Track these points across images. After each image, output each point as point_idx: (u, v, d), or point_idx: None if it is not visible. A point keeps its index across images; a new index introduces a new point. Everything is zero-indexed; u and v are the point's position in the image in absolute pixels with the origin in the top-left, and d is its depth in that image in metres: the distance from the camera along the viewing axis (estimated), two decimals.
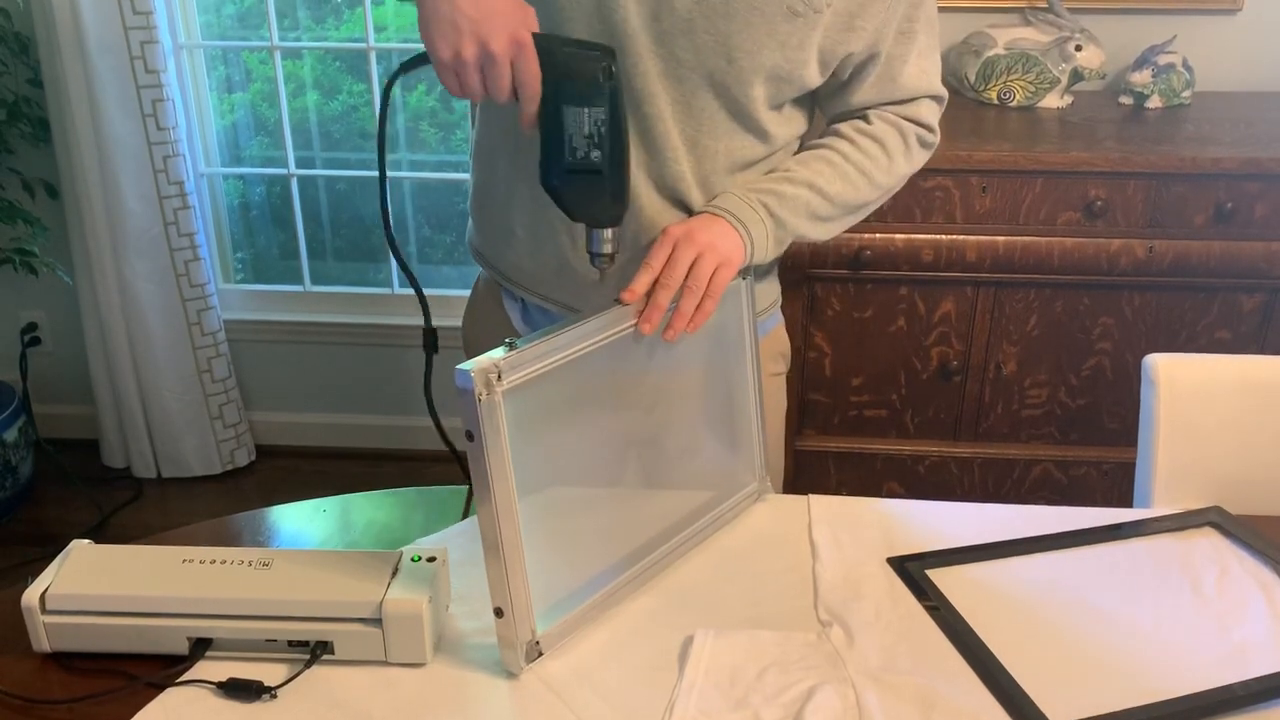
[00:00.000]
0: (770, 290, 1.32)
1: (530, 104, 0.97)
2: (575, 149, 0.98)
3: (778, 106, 1.15)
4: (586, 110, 0.97)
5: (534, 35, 0.96)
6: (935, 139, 1.24)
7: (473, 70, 0.96)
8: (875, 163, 1.19)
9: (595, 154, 0.98)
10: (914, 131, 1.21)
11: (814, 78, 1.13)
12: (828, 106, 1.23)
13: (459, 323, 1.36)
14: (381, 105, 1.05)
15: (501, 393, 0.90)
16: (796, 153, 1.23)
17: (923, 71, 1.19)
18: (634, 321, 1.04)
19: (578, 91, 0.97)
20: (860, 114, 1.21)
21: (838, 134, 1.21)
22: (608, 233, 1.04)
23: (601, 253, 1.05)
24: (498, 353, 0.92)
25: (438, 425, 1.12)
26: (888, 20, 1.12)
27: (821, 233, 1.20)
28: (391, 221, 1.04)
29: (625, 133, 0.99)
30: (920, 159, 1.24)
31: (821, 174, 1.17)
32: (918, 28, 1.15)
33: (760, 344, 1.29)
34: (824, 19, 1.08)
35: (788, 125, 1.18)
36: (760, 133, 1.15)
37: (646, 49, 1.08)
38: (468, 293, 1.38)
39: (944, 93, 1.23)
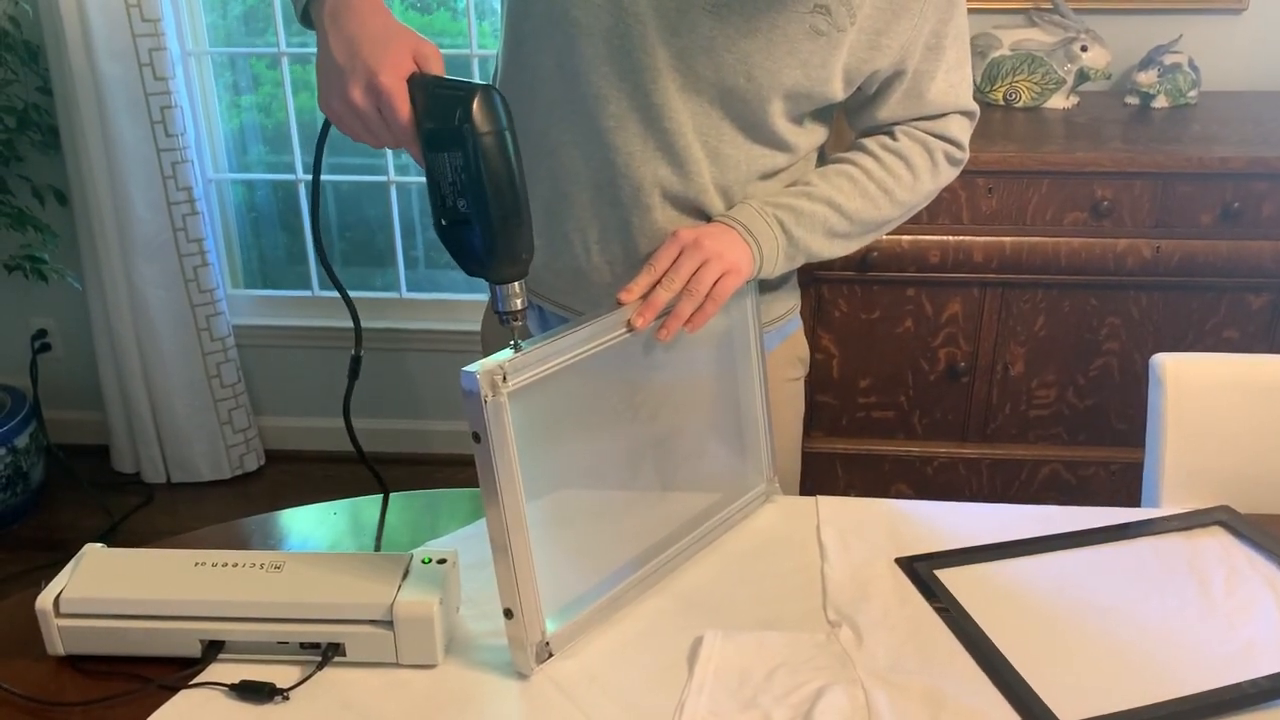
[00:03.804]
0: (789, 296, 1.31)
1: (410, 148, 0.93)
2: (444, 197, 0.92)
3: (797, 120, 1.14)
4: (447, 155, 0.90)
5: (411, 76, 0.91)
6: (964, 156, 1.22)
7: (349, 120, 0.94)
8: (899, 180, 1.18)
9: (461, 202, 0.91)
10: (942, 148, 1.19)
11: (837, 94, 1.12)
12: (855, 121, 1.22)
13: (463, 326, 1.37)
14: (317, 152, 1.03)
15: (507, 394, 0.91)
16: (821, 164, 1.22)
17: (951, 87, 1.17)
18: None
19: (438, 135, 0.90)
20: (887, 129, 1.19)
21: (863, 150, 1.19)
22: (513, 287, 0.94)
23: (508, 310, 0.95)
24: (504, 354, 0.92)
25: (350, 430, 1.16)
26: (914, 37, 1.11)
27: (838, 249, 1.19)
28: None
29: (498, 180, 0.89)
30: (948, 176, 1.22)
31: (842, 190, 1.16)
32: (946, 43, 1.13)
33: (779, 349, 1.30)
34: (848, 37, 1.07)
35: (808, 136, 1.17)
36: (780, 144, 1.15)
37: (665, 64, 1.07)
38: (470, 297, 1.39)
39: (974, 108, 1.21)
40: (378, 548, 1.16)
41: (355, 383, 1.12)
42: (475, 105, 0.88)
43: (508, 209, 0.91)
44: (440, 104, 0.90)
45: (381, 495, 1.22)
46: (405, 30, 0.94)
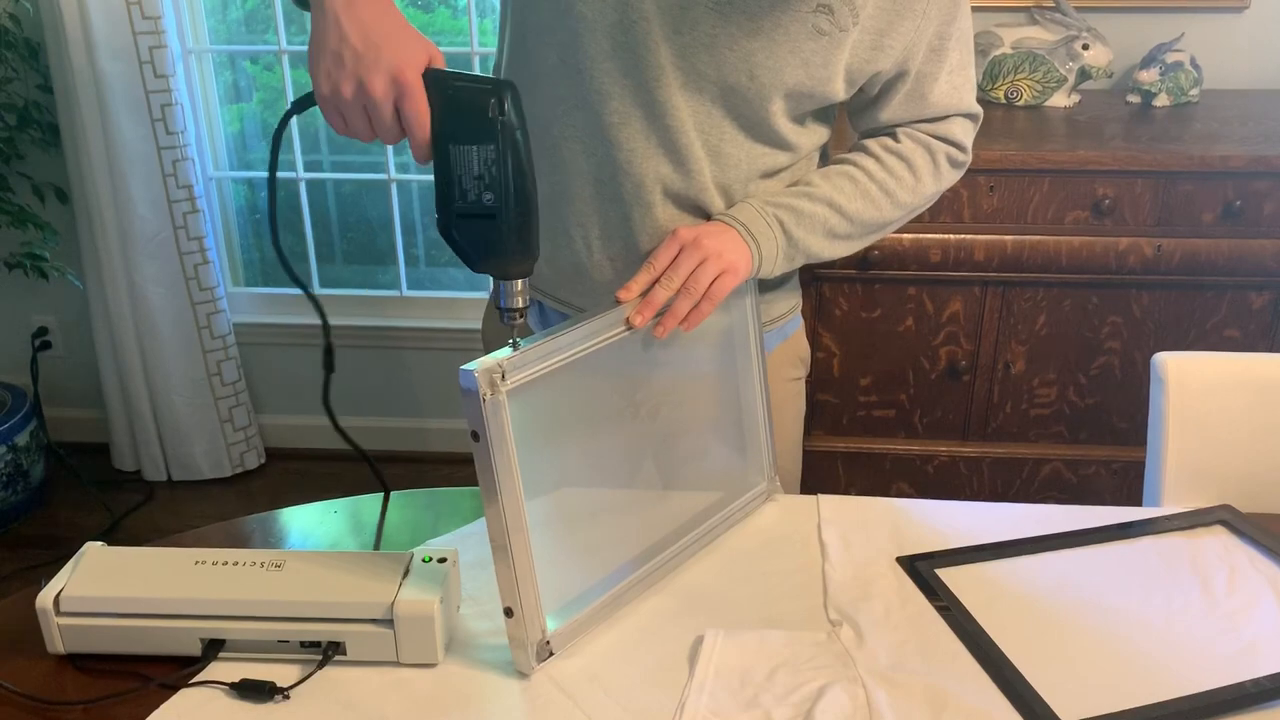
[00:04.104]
0: (790, 296, 1.31)
1: (418, 145, 0.92)
2: (465, 191, 0.91)
3: (799, 119, 1.14)
4: (475, 149, 0.90)
5: (426, 71, 0.91)
6: (967, 158, 1.21)
7: (353, 110, 0.91)
8: (900, 182, 1.18)
9: (488, 196, 0.90)
10: (944, 150, 1.19)
11: (839, 93, 1.12)
12: (857, 122, 1.22)
13: (463, 324, 1.37)
14: (273, 145, 1.01)
15: (506, 392, 0.90)
16: (823, 164, 1.22)
17: (954, 89, 1.16)
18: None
19: (464, 128, 0.90)
20: (889, 131, 1.19)
21: (865, 151, 1.19)
22: (517, 284, 0.95)
23: (511, 308, 0.95)
24: (502, 353, 0.92)
25: (336, 427, 1.14)
26: (917, 39, 1.10)
27: (839, 250, 1.19)
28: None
29: (524, 174, 0.91)
30: (950, 178, 1.22)
31: (843, 191, 1.16)
32: (949, 45, 1.13)
33: (780, 349, 1.30)
34: (850, 37, 1.07)
35: (810, 136, 1.17)
36: (781, 143, 1.15)
37: (668, 61, 1.07)
38: (471, 295, 1.38)
39: (978, 110, 1.20)
40: (378, 546, 1.16)
41: (332, 376, 1.11)
42: (510, 98, 0.89)
43: (531, 202, 0.92)
44: (469, 98, 0.90)
45: (382, 494, 1.22)
46: (417, 32, 0.95)
